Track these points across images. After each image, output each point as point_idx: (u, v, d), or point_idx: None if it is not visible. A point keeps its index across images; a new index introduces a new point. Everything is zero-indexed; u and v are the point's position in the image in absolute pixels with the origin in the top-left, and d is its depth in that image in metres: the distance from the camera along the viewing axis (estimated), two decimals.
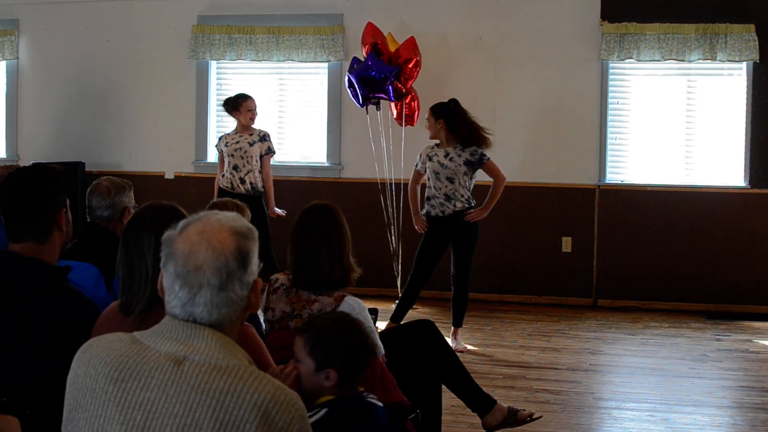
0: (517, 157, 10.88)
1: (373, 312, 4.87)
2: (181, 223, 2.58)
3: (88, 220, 5.34)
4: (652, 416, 6.72)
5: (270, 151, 10.06)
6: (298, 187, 11.24)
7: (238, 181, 9.89)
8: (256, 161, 9.95)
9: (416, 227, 8.94)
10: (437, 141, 8.85)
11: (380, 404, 3.74)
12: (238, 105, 10.03)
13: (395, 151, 10.78)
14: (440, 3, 11.03)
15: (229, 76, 11.86)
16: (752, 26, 10.22)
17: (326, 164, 11.38)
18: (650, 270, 10.63)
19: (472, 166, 8.69)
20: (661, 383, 7.65)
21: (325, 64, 11.36)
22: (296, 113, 11.66)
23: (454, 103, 8.86)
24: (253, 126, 10.10)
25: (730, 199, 10.52)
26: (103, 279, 4.84)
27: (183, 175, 11.72)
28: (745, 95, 10.46)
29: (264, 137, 10.05)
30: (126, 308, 3.53)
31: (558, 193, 10.80)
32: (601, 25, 10.58)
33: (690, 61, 10.44)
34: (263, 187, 9.97)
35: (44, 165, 10.36)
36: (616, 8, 10.59)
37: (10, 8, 12.13)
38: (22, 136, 12.26)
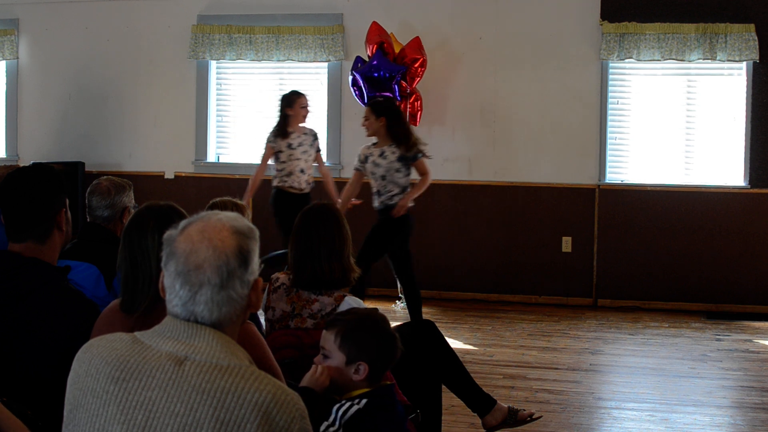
0: (517, 157, 10.88)
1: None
2: (182, 222, 2.59)
3: (87, 220, 5.34)
4: (653, 416, 6.72)
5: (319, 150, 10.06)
6: None
7: (304, 184, 9.84)
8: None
9: None
10: (375, 140, 8.91)
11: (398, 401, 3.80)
12: (292, 101, 9.83)
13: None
14: (440, 3, 11.02)
15: (229, 75, 11.86)
16: (752, 26, 10.22)
17: (326, 164, 11.36)
18: (650, 270, 10.63)
19: (406, 161, 8.73)
20: (661, 383, 7.65)
21: (325, 64, 11.36)
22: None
23: (392, 101, 9.24)
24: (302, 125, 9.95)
25: (730, 198, 10.52)
26: (103, 279, 4.84)
27: (183, 174, 11.72)
28: (744, 95, 10.46)
29: (316, 135, 10.03)
30: (128, 307, 3.53)
31: (558, 193, 10.79)
32: (601, 24, 10.58)
33: (690, 61, 10.45)
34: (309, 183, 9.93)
35: (44, 165, 10.37)
36: (616, 8, 10.59)
37: (10, 8, 12.13)
38: (22, 136, 12.26)
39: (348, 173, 11.21)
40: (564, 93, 10.78)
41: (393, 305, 10.41)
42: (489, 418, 5.71)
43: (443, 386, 5.52)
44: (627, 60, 10.57)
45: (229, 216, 2.60)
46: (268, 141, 9.87)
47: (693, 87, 10.71)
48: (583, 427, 6.53)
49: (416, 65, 10.36)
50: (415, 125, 10.54)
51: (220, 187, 10.80)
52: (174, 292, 2.52)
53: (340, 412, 3.52)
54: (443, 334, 5.55)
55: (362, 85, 10.23)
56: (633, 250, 10.67)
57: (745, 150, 10.47)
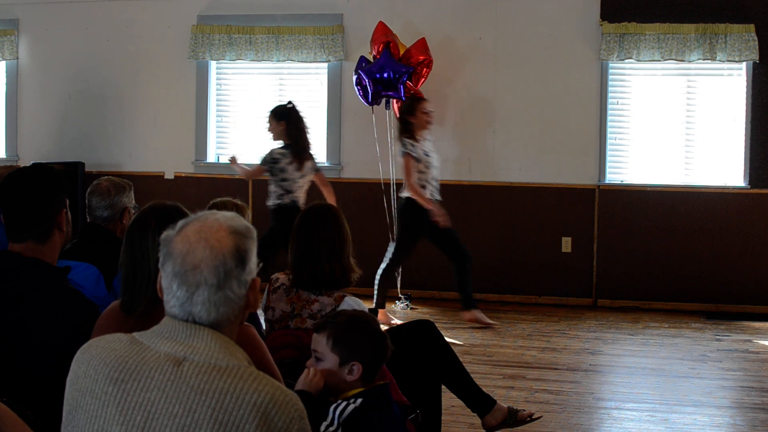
0: (517, 157, 10.88)
1: (373, 313, 4.87)
2: (180, 222, 2.59)
3: (87, 220, 5.34)
4: (652, 416, 6.72)
5: None
6: None
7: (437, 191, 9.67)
8: None
9: None
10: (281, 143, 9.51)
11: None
12: (413, 108, 9.51)
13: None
14: (440, 3, 11.03)
15: (229, 76, 11.86)
16: (752, 26, 10.22)
17: (326, 164, 11.37)
18: (650, 270, 10.63)
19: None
20: (660, 383, 7.65)
21: (325, 64, 11.36)
22: None
23: (293, 106, 9.56)
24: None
25: (729, 199, 10.52)
26: (103, 279, 4.85)
27: (183, 175, 11.72)
28: (744, 95, 10.46)
29: None
30: (128, 307, 3.53)
31: (558, 193, 10.80)
32: (601, 25, 10.58)
33: (690, 61, 10.45)
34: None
35: (44, 165, 10.37)
36: (616, 8, 10.59)
37: (10, 8, 12.13)
38: (22, 136, 12.26)
39: (348, 173, 11.24)
40: (564, 93, 10.78)
41: (393, 305, 10.41)
42: (489, 418, 5.72)
43: (443, 386, 5.52)
44: (627, 60, 10.57)
45: (227, 216, 2.60)
46: (406, 152, 9.44)
47: (693, 87, 10.72)
48: (583, 427, 6.53)
49: (422, 66, 10.37)
50: None
51: (219, 187, 10.82)
52: (171, 292, 2.52)
53: (338, 412, 3.53)
54: (443, 333, 5.55)
55: (368, 84, 10.23)
56: (633, 250, 10.67)
57: (744, 150, 10.48)
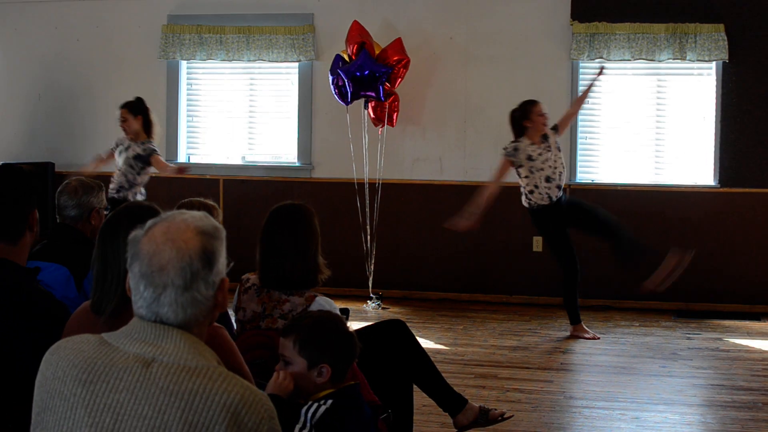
0: (488, 157, 10.88)
1: (345, 312, 4.86)
2: (148, 222, 2.57)
3: (58, 220, 5.32)
4: (623, 414, 6.74)
5: None
6: (269, 187, 11.23)
7: (556, 189, 9.33)
8: None
9: None
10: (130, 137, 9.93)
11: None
12: (528, 112, 9.28)
13: (371, 151, 10.76)
14: (411, 3, 11.03)
15: (200, 76, 11.83)
16: (721, 26, 10.27)
17: (297, 164, 11.36)
18: (620, 269, 10.65)
19: (142, 159, 9.86)
20: (631, 382, 7.67)
21: (296, 64, 11.34)
22: (267, 113, 11.64)
23: (143, 100, 10.02)
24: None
25: (699, 198, 10.57)
26: (74, 280, 4.83)
27: (153, 175, 11.65)
28: (714, 95, 10.51)
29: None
30: (97, 308, 3.52)
31: None
32: (572, 24, 10.61)
33: (660, 61, 10.49)
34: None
35: (13, 166, 10.30)
36: (586, 8, 10.62)
37: None
38: None
39: (319, 173, 11.23)
40: (534, 93, 10.75)
41: (364, 305, 10.41)
42: (460, 417, 5.72)
43: (414, 386, 5.52)
44: (597, 60, 10.60)
45: (195, 216, 2.58)
46: (505, 155, 9.34)
47: (663, 87, 10.77)
48: (554, 426, 6.54)
49: (399, 66, 10.37)
50: (392, 126, 10.57)
51: (190, 187, 10.79)
52: (139, 293, 2.50)
53: (309, 414, 3.53)
54: (414, 333, 5.55)
55: (347, 84, 10.21)
56: (603, 249, 10.66)
57: (714, 150, 10.53)
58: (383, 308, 10.36)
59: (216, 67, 11.69)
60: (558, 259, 9.37)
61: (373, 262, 10.69)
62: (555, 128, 9.34)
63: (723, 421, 6.65)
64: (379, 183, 10.71)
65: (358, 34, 10.38)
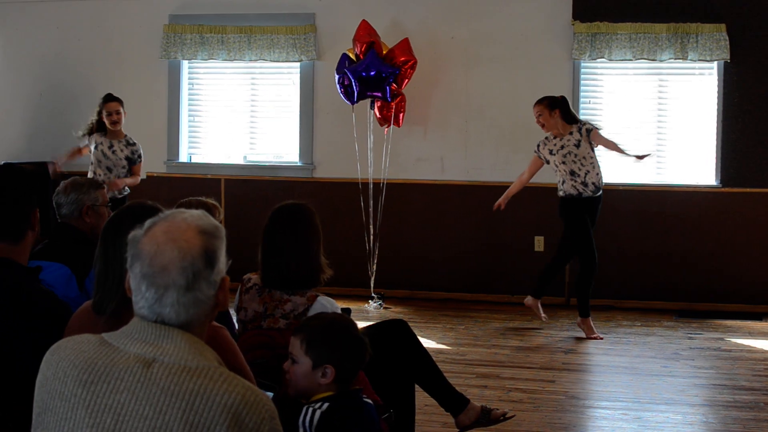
0: (490, 157, 10.89)
1: (347, 312, 4.86)
2: (147, 222, 2.56)
3: (58, 220, 5.33)
4: (625, 414, 6.74)
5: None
6: (271, 187, 11.23)
7: (590, 185, 9.44)
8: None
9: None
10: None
11: (371, 403, 3.81)
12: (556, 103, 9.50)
13: (376, 150, 10.75)
14: (412, 3, 11.02)
15: (201, 75, 11.82)
16: (723, 26, 10.26)
17: (298, 164, 11.36)
18: (622, 269, 10.66)
19: (131, 162, 10.22)
20: (633, 381, 7.67)
21: (297, 64, 11.33)
22: (268, 113, 11.63)
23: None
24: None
25: (701, 198, 10.56)
26: (75, 279, 4.83)
27: (155, 174, 11.67)
28: (716, 95, 10.50)
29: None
30: (99, 307, 3.51)
31: (530, 193, 10.77)
32: (573, 24, 10.61)
33: (661, 61, 10.48)
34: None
35: (14, 165, 10.30)
36: (588, 8, 10.61)
37: None
38: None
39: (320, 173, 11.22)
40: (536, 93, 10.74)
41: (366, 305, 10.40)
42: (462, 417, 5.71)
43: (416, 386, 5.52)
44: (599, 60, 10.60)
45: (195, 215, 2.57)
46: (534, 151, 9.65)
47: (664, 87, 10.76)
48: (557, 426, 6.54)
49: (407, 67, 10.36)
50: (398, 126, 10.58)
51: (192, 187, 10.76)
52: (140, 293, 2.49)
53: (307, 423, 3.54)
54: (416, 333, 5.54)
55: (353, 83, 10.20)
56: (605, 249, 10.67)
57: (716, 150, 10.52)
58: (385, 308, 10.36)
59: (217, 67, 11.68)
60: (579, 251, 9.43)
61: (375, 261, 10.68)
62: (590, 131, 9.41)
63: (725, 421, 6.65)
64: (383, 183, 10.70)
65: (366, 34, 10.37)
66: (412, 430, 5.40)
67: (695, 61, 10.42)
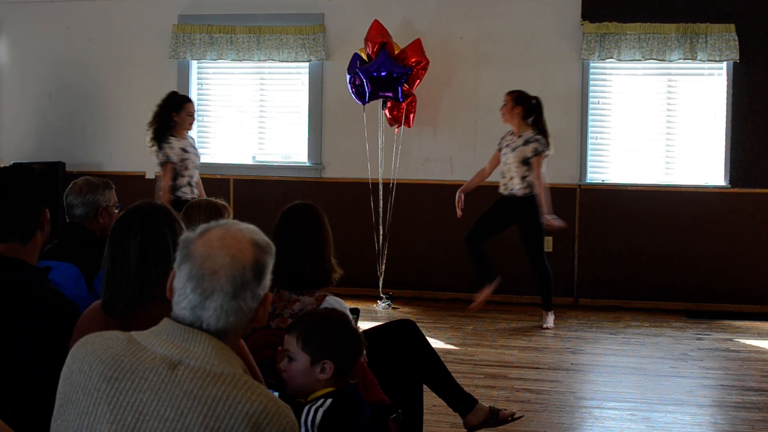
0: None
1: (355, 312, 4.86)
2: (202, 226, 2.59)
3: (67, 220, 5.33)
4: (633, 415, 6.74)
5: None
6: (280, 187, 11.24)
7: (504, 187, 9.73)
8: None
9: None
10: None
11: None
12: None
13: (386, 151, 10.76)
14: (421, 3, 11.02)
15: (210, 76, 11.84)
16: (732, 26, 10.25)
17: (307, 164, 11.37)
18: (631, 269, 10.66)
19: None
20: (642, 382, 7.66)
21: (306, 64, 11.34)
22: (277, 113, 11.64)
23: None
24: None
25: (710, 198, 10.55)
26: (84, 279, 4.83)
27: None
28: (725, 95, 10.49)
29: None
30: (108, 307, 3.52)
31: None
32: (582, 24, 10.60)
33: (670, 61, 10.47)
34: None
35: (24, 165, 10.33)
36: (597, 8, 10.61)
37: None
38: (2, 136, 12.21)
39: (329, 173, 11.23)
40: (545, 93, 10.75)
41: (375, 305, 10.41)
42: (470, 417, 5.72)
43: (424, 386, 5.52)
44: (608, 60, 10.59)
45: (250, 228, 2.61)
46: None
47: (673, 87, 10.75)
48: (564, 426, 6.54)
49: (419, 67, 10.36)
50: (409, 127, 10.58)
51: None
52: (184, 294, 2.51)
53: (309, 422, 3.53)
54: (424, 333, 5.55)
55: (365, 83, 10.20)
56: (614, 249, 10.69)
57: (725, 150, 10.51)
58: (393, 308, 10.36)
59: (226, 67, 11.69)
60: (530, 253, 9.80)
61: (384, 262, 10.69)
62: (537, 152, 9.56)
63: (733, 422, 6.64)
64: (393, 183, 10.70)
65: (378, 34, 10.37)
66: (421, 431, 5.40)
67: (704, 61, 10.41)
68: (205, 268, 2.49)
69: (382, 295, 10.52)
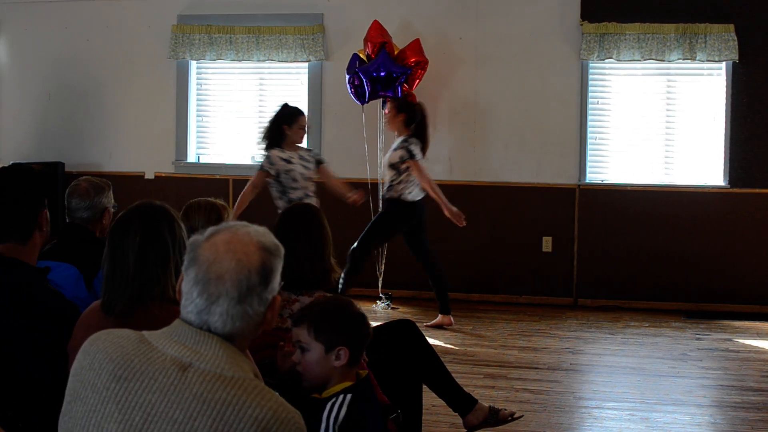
0: (498, 157, 10.89)
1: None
2: (210, 229, 2.58)
3: (67, 220, 5.33)
4: (633, 415, 6.74)
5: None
6: None
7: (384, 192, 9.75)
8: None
9: None
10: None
11: None
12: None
13: (386, 151, 10.74)
14: (421, 3, 11.02)
15: (209, 76, 11.83)
16: (731, 26, 10.25)
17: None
18: (630, 269, 10.66)
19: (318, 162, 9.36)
20: (641, 382, 7.66)
21: (306, 64, 11.34)
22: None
23: None
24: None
25: (709, 198, 10.55)
26: (83, 279, 4.83)
27: (163, 175, 11.69)
28: (724, 95, 10.49)
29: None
30: (108, 307, 3.52)
31: (538, 193, 10.81)
32: (581, 24, 10.60)
33: (669, 61, 10.47)
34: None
35: (23, 165, 10.33)
36: (596, 8, 10.61)
37: None
38: (2, 136, 12.21)
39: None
40: (544, 93, 10.80)
41: (374, 305, 10.41)
42: (470, 417, 5.72)
43: (424, 386, 5.52)
44: (607, 60, 10.59)
45: (258, 231, 2.60)
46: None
47: (673, 87, 10.75)
48: (564, 426, 6.54)
49: (418, 67, 10.36)
50: None
51: (200, 187, 10.81)
52: (191, 298, 2.51)
53: (332, 418, 3.53)
54: (424, 333, 5.55)
55: (365, 83, 10.20)
56: (613, 249, 10.69)
57: (724, 150, 10.51)
58: (393, 308, 10.37)
59: (226, 67, 11.69)
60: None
61: (383, 262, 10.69)
62: (402, 159, 9.47)
63: (732, 422, 6.64)
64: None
65: (378, 34, 10.37)
66: (420, 431, 5.40)
67: (704, 61, 10.41)
68: (211, 272, 2.48)
69: (381, 295, 10.52)
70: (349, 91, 10.47)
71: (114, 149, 11.87)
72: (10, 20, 12.09)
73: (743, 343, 9.06)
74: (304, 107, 11.25)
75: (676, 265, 10.57)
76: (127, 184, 11.23)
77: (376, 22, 10.45)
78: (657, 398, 7.17)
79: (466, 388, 5.81)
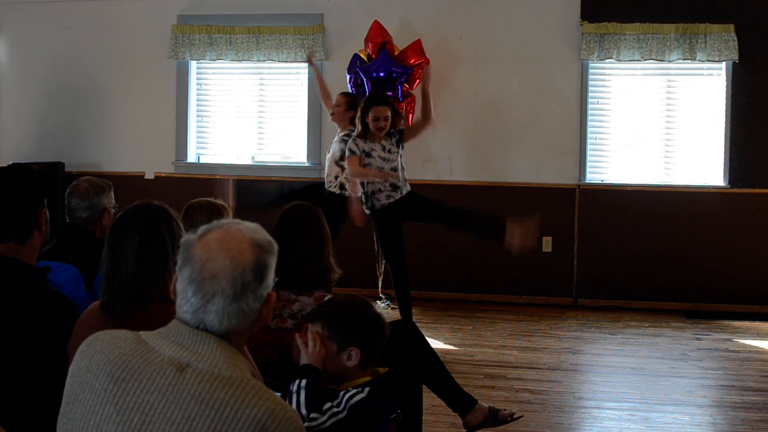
0: (498, 157, 10.88)
1: None
2: (202, 228, 2.57)
3: (67, 221, 5.33)
4: (633, 415, 6.74)
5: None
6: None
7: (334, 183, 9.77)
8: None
9: None
10: None
11: None
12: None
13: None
14: (421, 4, 11.02)
15: (209, 76, 11.83)
16: (731, 26, 10.25)
17: (306, 164, 11.37)
18: (630, 269, 10.65)
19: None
20: (641, 382, 7.67)
21: (306, 64, 11.32)
22: (276, 113, 11.64)
23: None
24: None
25: (709, 198, 10.55)
26: (83, 279, 4.83)
27: (163, 175, 11.69)
28: (724, 95, 10.49)
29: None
30: (107, 307, 3.52)
31: (538, 193, 10.80)
32: (581, 24, 10.60)
33: (669, 61, 10.47)
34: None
35: (23, 165, 10.33)
36: (596, 8, 10.60)
37: None
38: (1, 136, 12.21)
39: None
40: (544, 93, 10.80)
41: (374, 305, 10.39)
42: (470, 417, 5.72)
43: (424, 386, 5.52)
44: (607, 60, 10.59)
45: (250, 227, 2.59)
46: None
47: (673, 87, 10.74)
48: (564, 426, 6.54)
49: (419, 67, 10.36)
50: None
51: (200, 187, 10.78)
52: (186, 298, 2.50)
53: (346, 397, 3.53)
54: (424, 334, 5.55)
55: (366, 83, 10.21)
56: (613, 249, 10.69)
57: (724, 150, 10.51)
58: (393, 308, 10.36)
59: (226, 67, 11.69)
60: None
61: (383, 262, 10.68)
62: (343, 152, 9.30)
63: (732, 422, 6.65)
64: None
65: (378, 34, 10.38)
66: (420, 431, 5.40)
67: (704, 61, 10.41)
68: (205, 271, 2.48)
69: (381, 295, 10.52)
70: (350, 91, 10.47)
71: (114, 149, 11.87)
72: (10, 20, 12.09)
73: (743, 343, 9.06)
74: (304, 107, 11.30)
75: (676, 265, 10.57)
76: (127, 184, 11.23)
77: (376, 22, 10.46)
78: (657, 398, 7.17)
79: (465, 388, 5.81)
